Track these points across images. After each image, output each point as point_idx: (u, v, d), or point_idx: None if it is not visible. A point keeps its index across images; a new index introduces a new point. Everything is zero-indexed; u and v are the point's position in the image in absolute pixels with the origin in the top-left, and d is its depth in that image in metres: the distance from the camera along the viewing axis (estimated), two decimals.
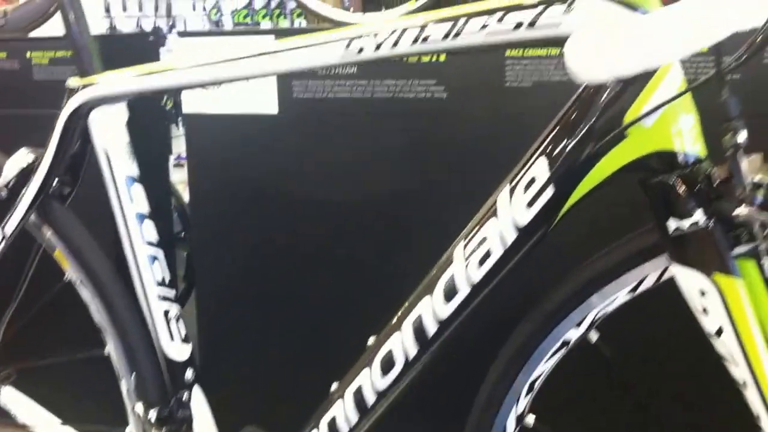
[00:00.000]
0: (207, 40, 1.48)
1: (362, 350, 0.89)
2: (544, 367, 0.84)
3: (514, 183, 0.76)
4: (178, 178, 2.02)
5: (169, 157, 1.95)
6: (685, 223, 0.70)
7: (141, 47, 1.75)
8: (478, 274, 0.79)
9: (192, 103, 1.47)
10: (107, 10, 5.80)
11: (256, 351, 1.54)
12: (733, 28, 0.63)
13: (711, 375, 0.76)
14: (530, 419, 0.86)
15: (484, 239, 0.78)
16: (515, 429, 0.86)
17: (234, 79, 0.88)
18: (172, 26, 6.40)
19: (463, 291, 0.80)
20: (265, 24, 6.93)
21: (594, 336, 0.83)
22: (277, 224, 1.46)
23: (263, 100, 1.44)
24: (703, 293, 0.71)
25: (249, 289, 1.52)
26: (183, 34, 1.50)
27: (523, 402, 0.85)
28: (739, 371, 0.71)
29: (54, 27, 1.48)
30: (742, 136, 0.68)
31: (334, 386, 0.92)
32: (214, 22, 6.73)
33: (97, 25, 4.35)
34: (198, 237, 1.58)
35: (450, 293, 0.80)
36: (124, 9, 6.03)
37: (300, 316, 1.49)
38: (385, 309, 0.88)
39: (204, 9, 6.73)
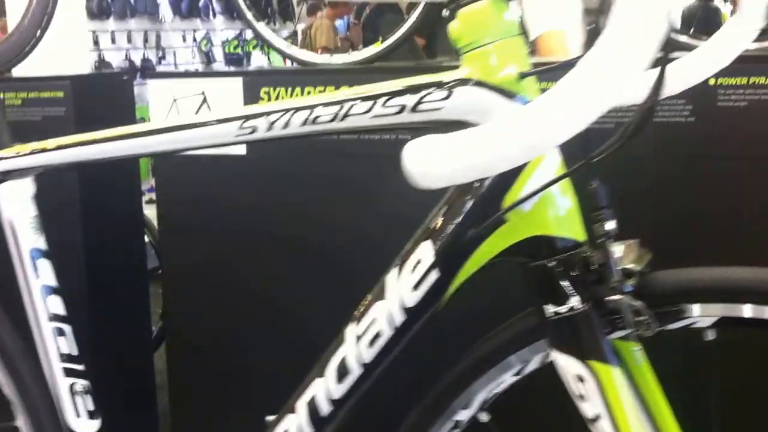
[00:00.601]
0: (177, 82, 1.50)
1: None
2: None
3: (401, 264, 0.77)
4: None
5: (140, 193, 1.96)
6: (562, 309, 0.71)
7: (114, 87, 1.77)
8: (369, 354, 0.79)
9: None
10: (95, 42, 5.80)
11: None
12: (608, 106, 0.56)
13: None
14: None
15: (373, 320, 0.78)
16: None
17: (129, 157, 0.89)
18: (162, 58, 6.42)
19: (355, 371, 0.79)
20: (256, 54, 6.93)
21: (484, 417, 0.82)
22: (247, 262, 1.46)
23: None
24: (580, 379, 0.71)
25: (221, 329, 1.51)
26: (150, 75, 1.51)
27: None
28: None
29: None
30: (611, 225, 0.69)
31: None
32: (204, 53, 6.73)
33: (86, 58, 4.32)
34: (169, 274, 1.58)
35: (342, 373, 0.80)
36: (113, 41, 6.05)
37: (269, 351, 1.48)
38: None
39: (194, 40, 6.74)
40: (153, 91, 1.48)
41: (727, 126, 1.10)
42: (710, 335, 0.70)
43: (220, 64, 6.87)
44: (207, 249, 1.50)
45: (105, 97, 1.74)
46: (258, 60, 7.00)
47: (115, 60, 6.03)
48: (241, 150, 1.44)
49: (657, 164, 1.14)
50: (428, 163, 0.55)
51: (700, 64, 0.78)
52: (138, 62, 6.19)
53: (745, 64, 1.08)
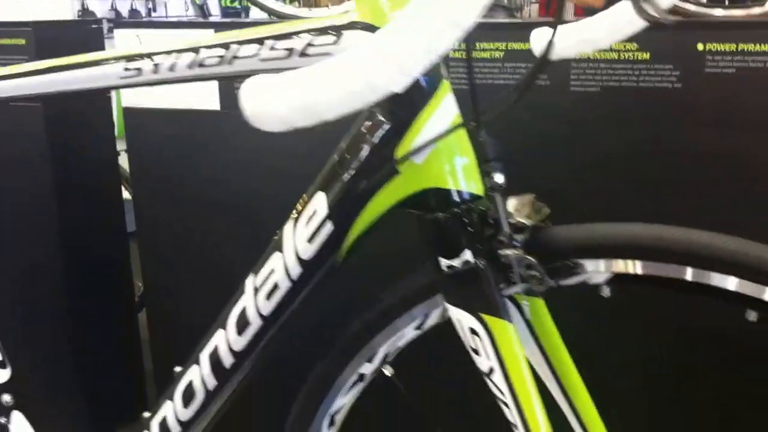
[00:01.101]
0: (145, 32, 1.43)
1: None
2: (343, 400, 0.82)
3: (297, 216, 0.74)
4: None
5: (116, 153, 1.89)
6: (456, 263, 0.68)
7: (83, 36, 1.66)
8: (267, 306, 0.77)
9: (132, 98, 1.43)
10: None
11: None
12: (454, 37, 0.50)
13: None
14: None
15: (271, 272, 0.76)
16: None
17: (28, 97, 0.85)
18: (152, 10, 6.17)
19: (255, 323, 0.78)
20: (255, 9, 6.64)
21: (388, 370, 0.81)
22: (221, 221, 1.43)
23: (205, 96, 1.40)
24: (474, 333, 0.69)
25: (199, 286, 1.49)
26: (117, 24, 1.45)
27: None
28: (509, 412, 0.69)
29: None
30: (500, 178, 0.66)
31: (146, 414, 0.90)
32: (198, 5, 6.45)
33: (69, 7, 4.09)
34: (143, 233, 1.55)
35: (242, 325, 0.78)
36: None
37: None
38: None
39: None
40: (119, 42, 1.43)
41: (714, 92, 1.07)
42: (607, 291, 0.68)
43: (215, 18, 6.65)
44: (181, 205, 1.47)
45: (72, 47, 1.65)
46: (257, 15, 6.75)
47: (101, 10, 5.74)
48: (215, 105, 1.40)
49: (644, 129, 1.12)
50: (263, 104, 0.51)
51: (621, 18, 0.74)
52: (125, 13, 5.91)
53: (733, 30, 1.05)
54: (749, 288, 0.60)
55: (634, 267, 0.64)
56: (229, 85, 1.38)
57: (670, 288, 0.64)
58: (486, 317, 0.68)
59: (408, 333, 0.77)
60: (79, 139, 1.64)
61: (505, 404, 0.69)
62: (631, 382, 1.24)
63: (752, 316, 0.63)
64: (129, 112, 1.46)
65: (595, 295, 0.68)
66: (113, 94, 1.59)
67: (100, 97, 1.70)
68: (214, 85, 1.39)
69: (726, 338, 1.13)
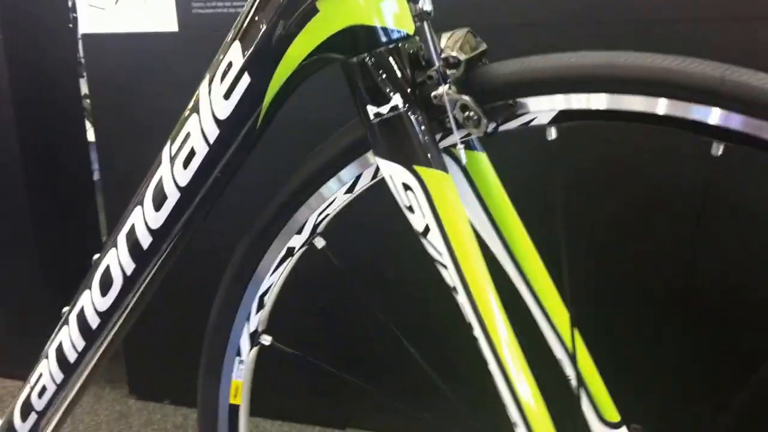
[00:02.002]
0: None
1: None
2: (272, 279, 0.76)
3: (213, 73, 0.67)
4: None
5: (80, 94, 1.82)
6: (384, 109, 0.61)
7: None
8: (185, 176, 0.69)
9: (90, 23, 1.41)
10: None
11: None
12: None
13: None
14: (266, 339, 0.79)
15: (187, 136, 0.69)
16: (250, 349, 0.79)
17: None
18: None
19: (173, 197, 0.70)
20: None
21: (320, 242, 0.74)
22: None
23: (162, 17, 1.36)
24: (407, 188, 0.62)
25: None
26: None
27: (255, 319, 0.77)
28: (448, 274, 0.63)
29: None
30: (427, 5, 0.59)
31: (65, 310, 0.83)
32: None
33: None
34: (104, 163, 1.53)
35: (160, 200, 0.71)
36: None
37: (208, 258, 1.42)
38: None
39: None
40: None
41: None
42: (553, 133, 0.61)
43: None
44: (140, 129, 1.45)
45: None
46: None
47: None
48: (172, 26, 1.37)
49: (600, 29, 1.09)
50: None
51: None
52: None
53: None
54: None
55: (588, 102, 0.57)
56: (186, 5, 1.34)
57: (624, 120, 0.57)
58: (419, 169, 0.61)
59: (339, 198, 0.70)
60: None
61: (443, 266, 0.63)
62: (584, 244, 1.23)
63: (719, 150, 0.56)
64: (87, 38, 1.43)
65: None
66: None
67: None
68: (172, 6, 1.35)
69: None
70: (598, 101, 0.57)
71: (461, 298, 0.63)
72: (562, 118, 0.59)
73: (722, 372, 1.29)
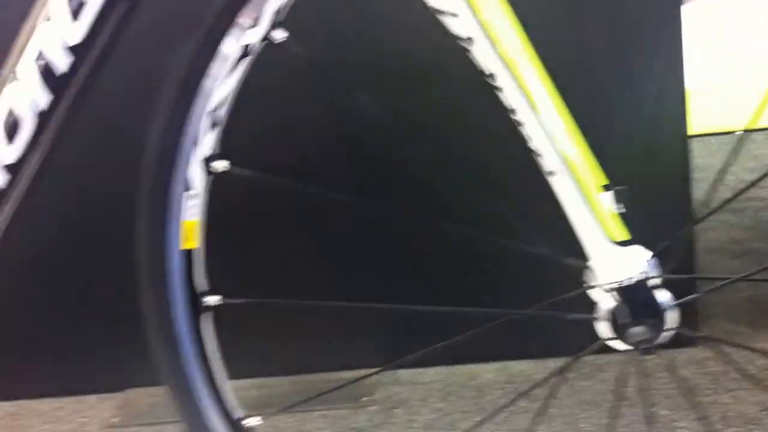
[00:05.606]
0: None
1: None
2: (225, 87, 0.62)
3: None
4: None
5: None
6: None
7: None
8: None
9: None
10: None
11: None
12: None
13: None
14: (222, 164, 0.65)
15: None
16: (207, 177, 0.65)
17: None
18: None
19: None
20: None
21: (280, 34, 0.61)
22: None
23: None
24: None
25: None
26: None
27: (208, 140, 0.64)
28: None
29: None
30: None
31: None
32: None
33: None
34: None
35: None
36: None
37: None
38: None
39: None
40: None
41: None
42: None
43: None
44: None
45: None
46: None
47: None
48: None
49: None
50: None
51: None
52: None
53: None
54: None
55: None
56: None
57: None
58: None
59: None
60: None
61: None
62: None
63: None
64: None
65: None
66: None
67: None
68: None
69: None
70: None
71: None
72: None
73: None
